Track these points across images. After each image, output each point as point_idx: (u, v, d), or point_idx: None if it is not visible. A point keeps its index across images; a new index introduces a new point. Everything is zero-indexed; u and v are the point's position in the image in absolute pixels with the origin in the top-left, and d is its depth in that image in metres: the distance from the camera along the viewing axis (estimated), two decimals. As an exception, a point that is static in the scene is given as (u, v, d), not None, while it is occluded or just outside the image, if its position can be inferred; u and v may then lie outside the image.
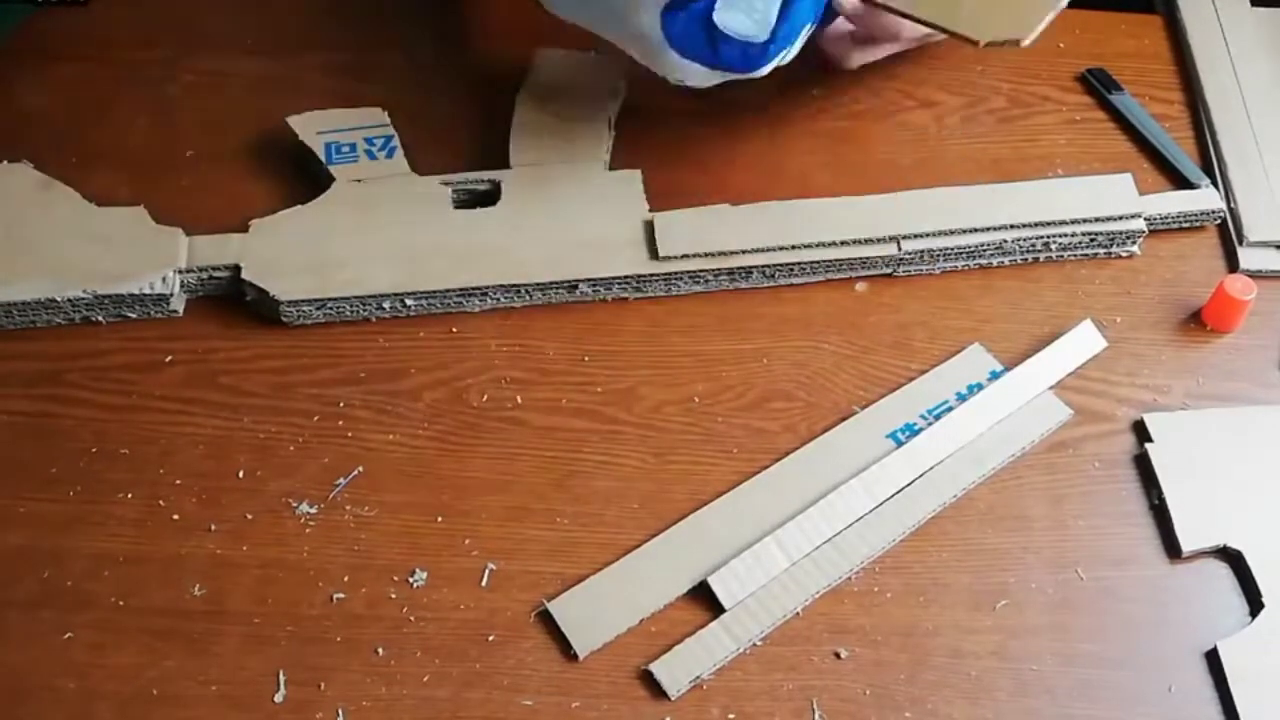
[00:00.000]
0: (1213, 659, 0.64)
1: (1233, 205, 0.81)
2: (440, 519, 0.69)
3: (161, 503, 0.69)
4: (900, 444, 0.70)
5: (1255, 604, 0.65)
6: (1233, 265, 0.79)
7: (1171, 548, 0.68)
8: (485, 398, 0.73)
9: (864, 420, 0.72)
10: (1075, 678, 0.63)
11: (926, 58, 0.91)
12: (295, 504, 0.69)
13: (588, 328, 0.76)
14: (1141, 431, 0.72)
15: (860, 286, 0.79)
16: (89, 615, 0.65)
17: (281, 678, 0.63)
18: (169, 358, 0.75)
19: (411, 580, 0.66)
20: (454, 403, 0.73)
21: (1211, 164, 0.84)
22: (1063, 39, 0.92)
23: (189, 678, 0.63)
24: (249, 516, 0.68)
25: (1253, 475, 0.70)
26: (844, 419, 0.72)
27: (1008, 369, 0.74)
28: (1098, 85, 0.89)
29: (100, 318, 0.76)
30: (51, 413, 0.72)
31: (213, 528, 0.68)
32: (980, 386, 0.73)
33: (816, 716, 0.62)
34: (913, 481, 0.69)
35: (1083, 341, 0.75)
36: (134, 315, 0.76)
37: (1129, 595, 0.66)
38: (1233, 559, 0.67)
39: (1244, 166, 0.83)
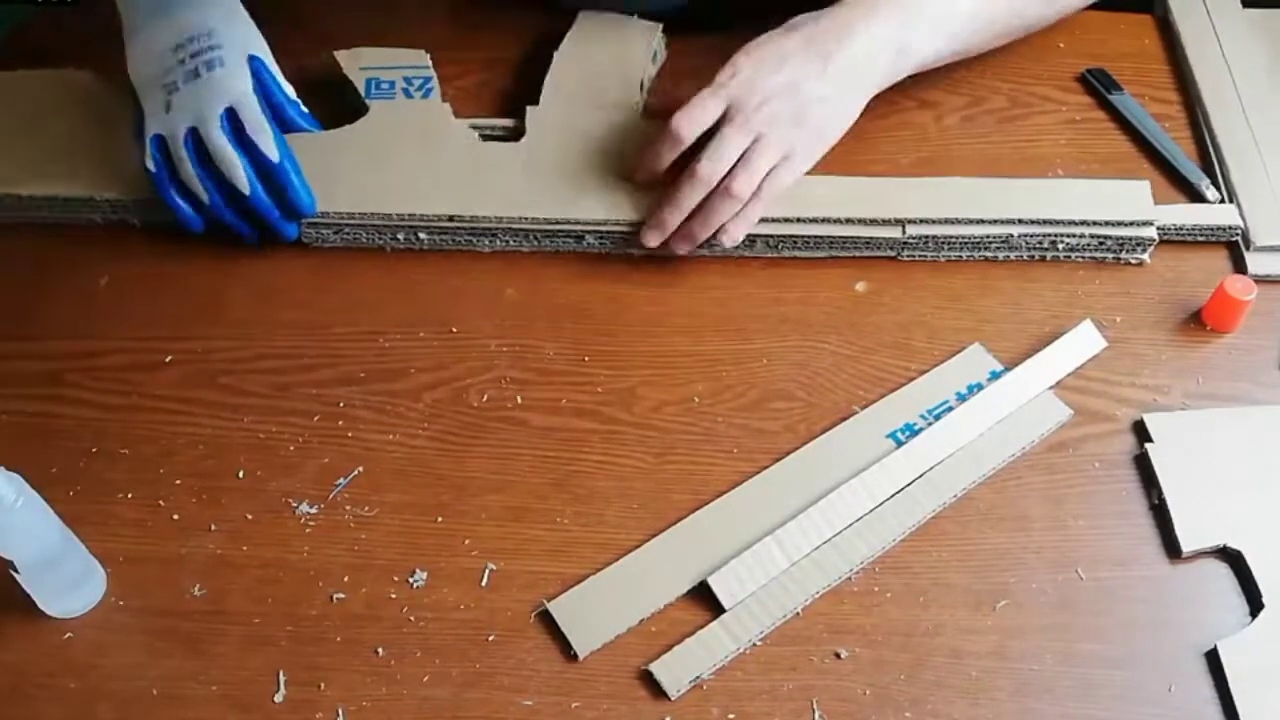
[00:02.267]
0: (1213, 659, 0.64)
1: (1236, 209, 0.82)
2: (440, 519, 0.69)
3: (161, 503, 0.69)
4: (900, 444, 0.70)
5: (1255, 604, 0.65)
6: (1240, 266, 0.79)
7: (1171, 548, 0.68)
8: (485, 398, 0.73)
9: (864, 420, 0.72)
10: (1075, 677, 0.63)
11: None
12: (295, 504, 0.69)
13: (588, 328, 0.76)
14: (1141, 431, 0.72)
15: (860, 286, 0.79)
16: (89, 615, 0.65)
17: (281, 678, 0.63)
18: (168, 357, 0.75)
19: (411, 580, 0.66)
20: (454, 403, 0.73)
21: (1212, 165, 0.84)
22: (1062, 39, 0.92)
23: (189, 678, 0.63)
24: (249, 517, 0.69)
25: (1253, 475, 0.70)
26: (844, 419, 0.72)
27: (1008, 369, 0.74)
28: (1097, 85, 0.89)
29: (135, 220, 0.79)
30: (51, 413, 0.72)
31: (213, 528, 0.68)
32: (980, 386, 0.73)
33: (816, 716, 0.62)
34: (913, 481, 0.69)
35: (1083, 341, 0.75)
36: (166, 220, 0.78)
37: (1129, 595, 0.66)
38: (1232, 559, 0.67)
39: (1245, 170, 0.83)
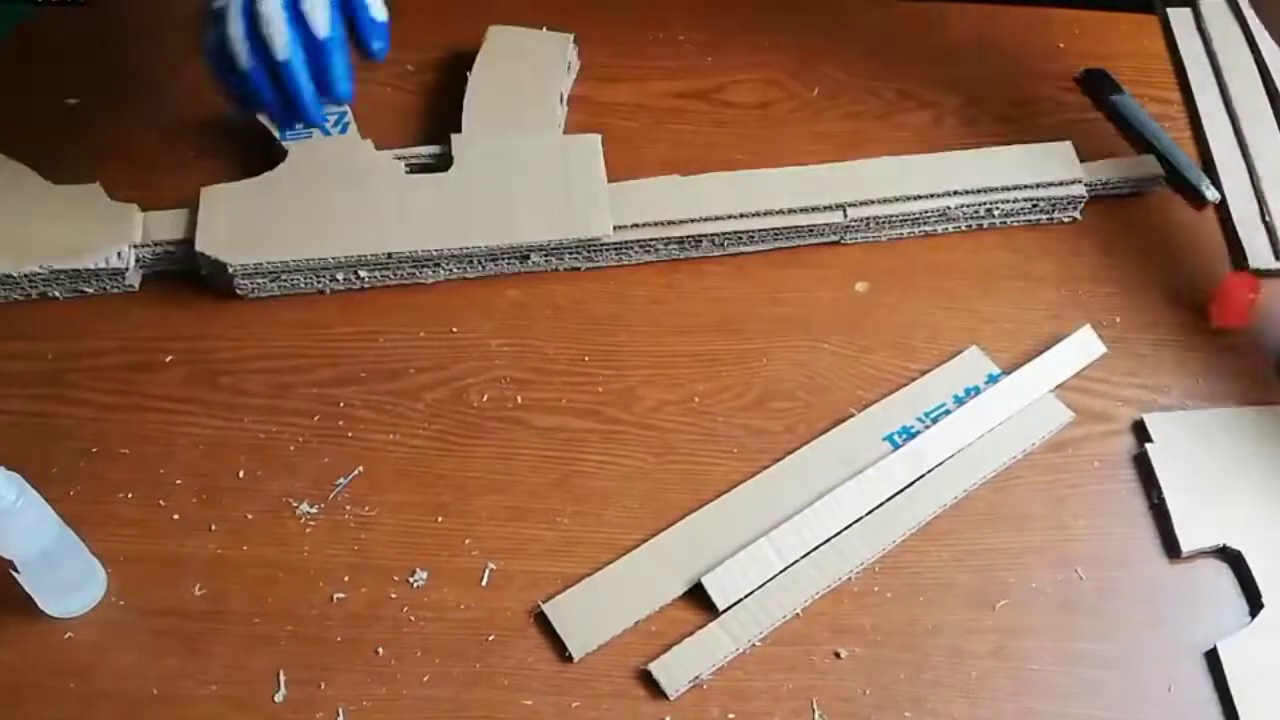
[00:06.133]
0: (1212, 659, 0.64)
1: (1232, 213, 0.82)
2: (440, 519, 0.69)
3: (162, 502, 0.69)
4: (897, 447, 0.70)
5: (1255, 604, 0.65)
6: (1239, 264, 0.80)
7: (1171, 547, 0.68)
8: (485, 398, 0.74)
9: (861, 423, 0.72)
10: (1075, 677, 0.63)
11: (925, 58, 0.91)
12: (295, 504, 0.69)
13: (588, 327, 0.76)
14: (1141, 432, 0.72)
15: (860, 286, 0.79)
16: (90, 615, 0.65)
17: (282, 677, 0.63)
18: (169, 358, 0.75)
19: (412, 580, 0.66)
20: (454, 402, 0.73)
21: (1212, 164, 0.85)
22: (1062, 39, 0.92)
23: (189, 677, 0.63)
24: (249, 516, 0.69)
25: (1252, 475, 0.70)
26: (843, 420, 0.72)
27: (1006, 373, 0.74)
28: (1096, 86, 0.89)
29: (57, 293, 0.77)
30: (52, 413, 0.72)
31: (213, 528, 0.68)
32: (977, 390, 0.73)
33: (816, 716, 0.62)
34: (912, 483, 0.69)
35: (1082, 346, 0.75)
36: (91, 290, 0.77)
37: (1129, 595, 0.66)
38: (1232, 559, 0.67)
39: (1237, 170, 0.84)
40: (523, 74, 0.85)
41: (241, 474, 0.70)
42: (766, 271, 0.79)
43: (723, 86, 0.89)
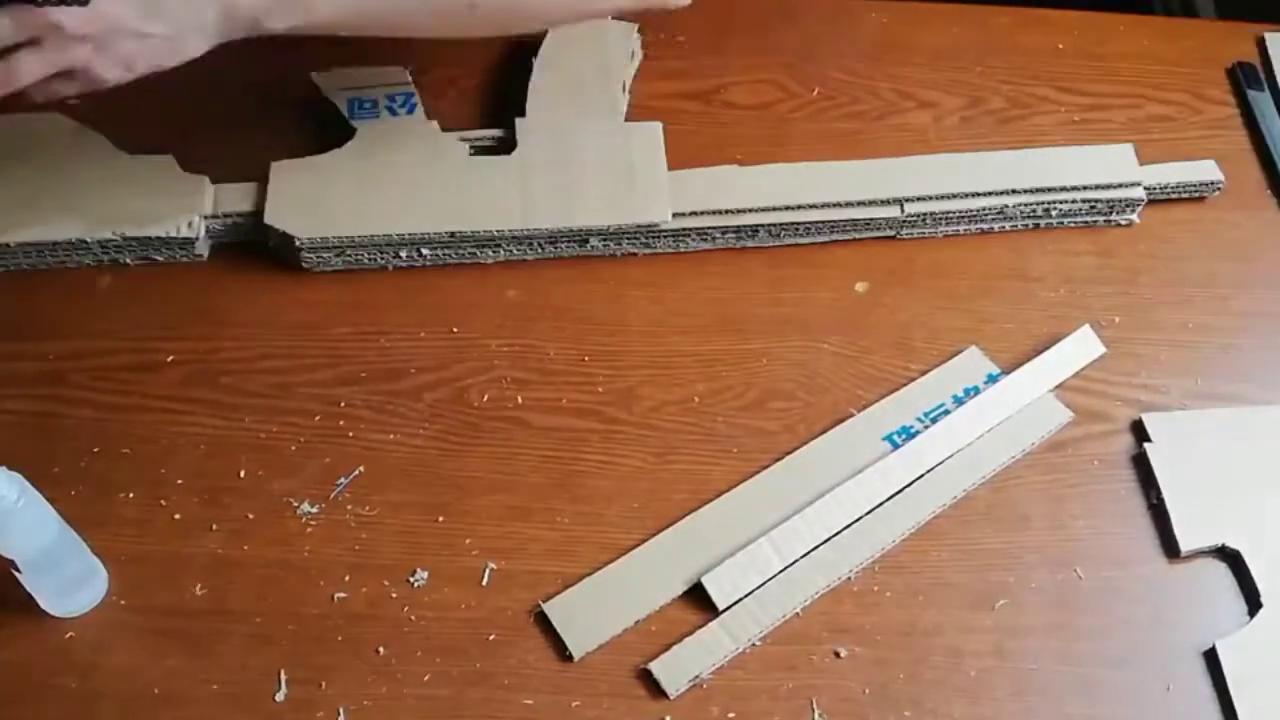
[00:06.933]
0: (1211, 658, 0.64)
1: None
2: (441, 519, 0.69)
3: (163, 502, 0.69)
4: (896, 447, 0.70)
5: (1253, 603, 0.66)
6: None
7: (1170, 547, 0.68)
8: (486, 398, 0.74)
9: (861, 423, 0.72)
10: (1074, 676, 0.64)
11: (925, 58, 0.91)
12: (296, 504, 0.69)
13: (588, 328, 0.76)
14: (1140, 431, 0.72)
15: (860, 286, 0.79)
16: (91, 614, 0.65)
17: (283, 677, 0.63)
18: (170, 358, 0.75)
19: (412, 580, 0.66)
20: (454, 402, 0.73)
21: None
22: (1062, 39, 0.92)
23: (190, 677, 0.63)
24: (250, 516, 0.69)
25: (1251, 475, 0.70)
26: (843, 420, 0.72)
27: (1005, 373, 0.74)
28: (1244, 79, 0.88)
29: (128, 260, 0.78)
30: (54, 413, 0.72)
31: (214, 527, 0.68)
32: (976, 390, 0.73)
33: (816, 715, 0.62)
34: (911, 483, 0.69)
35: (1081, 346, 0.75)
36: (160, 258, 0.78)
37: (1128, 595, 0.66)
38: (1231, 558, 0.67)
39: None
40: (586, 61, 0.86)
41: (242, 474, 0.70)
42: (766, 271, 0.79)
43: (723, 86, 0.89)
